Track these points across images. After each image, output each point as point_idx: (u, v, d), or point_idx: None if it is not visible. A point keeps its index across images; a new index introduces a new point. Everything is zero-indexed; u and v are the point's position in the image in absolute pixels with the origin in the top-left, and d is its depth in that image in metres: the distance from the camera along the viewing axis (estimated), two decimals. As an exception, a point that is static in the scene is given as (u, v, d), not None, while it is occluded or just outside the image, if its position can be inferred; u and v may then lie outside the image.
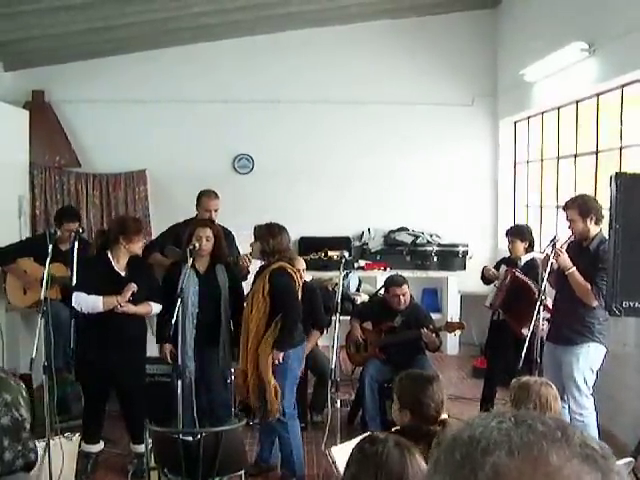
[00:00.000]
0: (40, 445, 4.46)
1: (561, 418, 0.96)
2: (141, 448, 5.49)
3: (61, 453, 4.54)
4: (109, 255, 5.46)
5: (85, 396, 5.73)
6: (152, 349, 6.99)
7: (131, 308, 5.37)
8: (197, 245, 5.55)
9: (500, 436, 0.90)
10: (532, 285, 5.99)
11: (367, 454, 2.33)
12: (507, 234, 6.75)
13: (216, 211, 6.66)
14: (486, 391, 6.60)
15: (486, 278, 6.82)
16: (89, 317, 5.33)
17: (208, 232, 5.70)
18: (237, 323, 5.69)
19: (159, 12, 7.94)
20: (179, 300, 5.24)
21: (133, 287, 5.35)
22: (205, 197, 6.69)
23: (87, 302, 5.29)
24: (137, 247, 5.50)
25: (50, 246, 4.93)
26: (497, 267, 6.73)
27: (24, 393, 2.27)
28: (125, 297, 5.32)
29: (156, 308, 5.60)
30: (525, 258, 6.58)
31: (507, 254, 6.92)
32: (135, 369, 5.62)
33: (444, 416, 3.18)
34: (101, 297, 5.28)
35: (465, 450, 0.91)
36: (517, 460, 0.87)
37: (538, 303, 5.10)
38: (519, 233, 6.67)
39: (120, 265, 5.48)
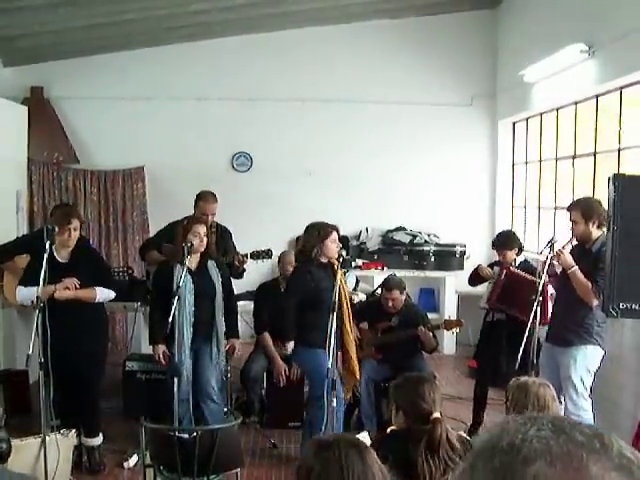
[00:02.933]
0: (36, 441, 4.47)
1: (597, 426, 0.96)
2: (92, 442, 5.57)
3: (57, 449, 4.54)
4: (53, 246, 5.39)
5: (54, 388, 5.64)
6: (149, 347, 6.96)
7: (67, 293, 5.34)
8: (196, 241, 5.54)
9: (540, 445, 0.90)
10: (528, 276, 5.99)
11: (327, 459, 2.27)
12: (494, 247, 6.61)
13: (213, 215, 6.64)
14: (478, 391, 6.60)
15: (478, 277, 6.74)
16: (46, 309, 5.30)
17: (204, 229, 5.71)
18: (228, 319, 5.81)
19: (158, 9, 7.94)
20: (176, 299, 5.25)
21: (74, 280, 5.36)
22: (202, 202, 6.67)
23: (25, 295, 5.29)
24: (64, 236, 5.41)
25: (47, 243, 4.92)
26: (491, 267, 6.66)
27: None
28: (64, 285, 5.32)
29: (104, 293, 5.55)
30: (518, 260, 6.52)
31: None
32: (91, 358, 5.55)
33: (436, 415, 3.17)
34: (36, 287, 5.25)
35: (505, 458, 0.91)
36: (557, 471, 0.88)
37: (538, 293, 5.11)
38: (507, 244, 6.50)
39: (62, 254, 5.47)
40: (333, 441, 2.35)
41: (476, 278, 6.75)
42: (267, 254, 6.62)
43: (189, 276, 5.58)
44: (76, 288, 5.39)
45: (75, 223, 5.47)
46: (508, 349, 6.12)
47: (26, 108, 8.83)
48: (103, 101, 9.68)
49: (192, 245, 5.46)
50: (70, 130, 9.71)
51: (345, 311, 5.55)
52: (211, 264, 5.77)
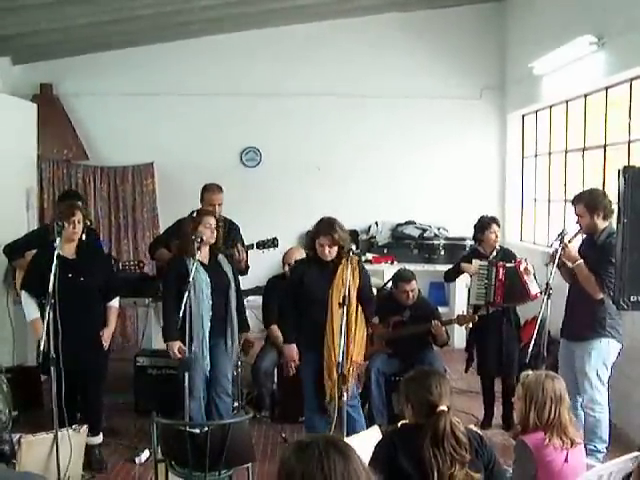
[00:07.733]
0: (48, 437, 4.49)
1: None
2: (95, 440, 5.53)
3: (69, 445, 4.56)
4: (54, 244, 5.23)
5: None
6: (160, 343, 6.97)
7: (109, 335, 5.62)
8: (207, 233, 5.50)
9: None
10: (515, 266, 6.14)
11: (308, 460, 2.17)
12: (486, 226, 6.51)
13: (220, 205, 6.63)
14: (485, 384, 6.62)
15: (457, 273, 6.79)
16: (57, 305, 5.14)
17: (214, 221, 5.67)
18: (238, 313, 5.75)
19: (166, 5, 7.93)
20: (192, 293, 5.26)
21: (106, 334, 5.58)
22: (208, 192, 6.67)
23: (28, 310, 5.39)
24: (70, 229, 5.35)
25: (57, 239, 4.93)
26: (469, 260, 6.60)
27: (4, 387, 2.27)
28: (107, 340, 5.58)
29: (116, 306, 5.74)
30: (496, 248, 6.50)
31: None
32: (96, 356, 5.56)
33: (442, 407, 3.16)
34: (36, 309, 5.34)
35: None
36: None
37: (548, 287, 5.11)
38: (497, 222, 6.55)
39: (66, 250, 5.37)
40: (313, 441, 2.25)
41: (455, 275, 6.81)
42: (273, 243, 6.61)
43: (203, 270, 5.53)
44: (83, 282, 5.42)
45: (79, 215, 5.43)
46: (507, 337, 6.27)
47: (35, 105, 8.85)
48: (112, 97, 9.70)
49: (202, 239, 5.41)
50: (79, 127, 9.74)
51: (352, 307, 5.22)
52: (222, 258, 5.75)
